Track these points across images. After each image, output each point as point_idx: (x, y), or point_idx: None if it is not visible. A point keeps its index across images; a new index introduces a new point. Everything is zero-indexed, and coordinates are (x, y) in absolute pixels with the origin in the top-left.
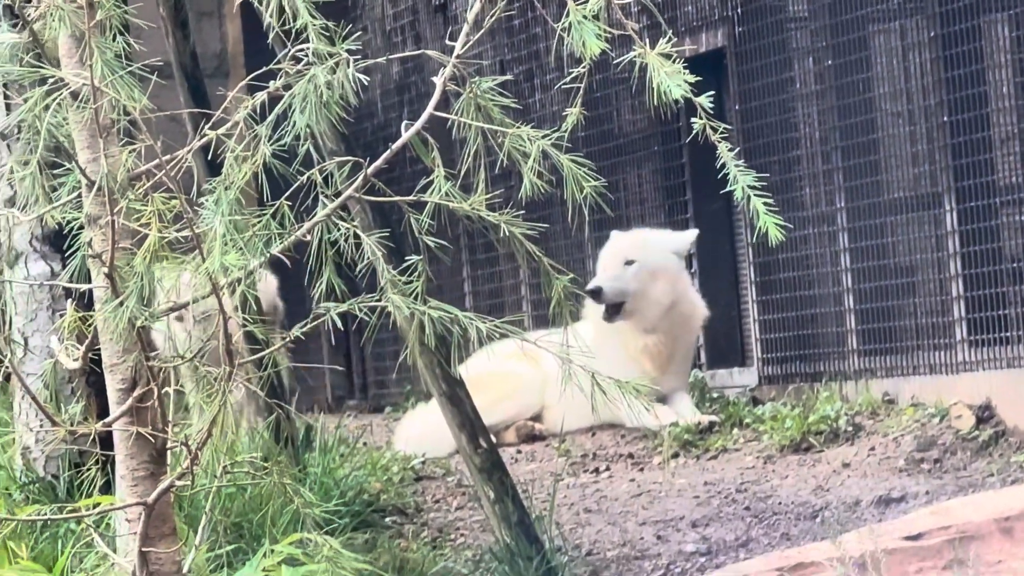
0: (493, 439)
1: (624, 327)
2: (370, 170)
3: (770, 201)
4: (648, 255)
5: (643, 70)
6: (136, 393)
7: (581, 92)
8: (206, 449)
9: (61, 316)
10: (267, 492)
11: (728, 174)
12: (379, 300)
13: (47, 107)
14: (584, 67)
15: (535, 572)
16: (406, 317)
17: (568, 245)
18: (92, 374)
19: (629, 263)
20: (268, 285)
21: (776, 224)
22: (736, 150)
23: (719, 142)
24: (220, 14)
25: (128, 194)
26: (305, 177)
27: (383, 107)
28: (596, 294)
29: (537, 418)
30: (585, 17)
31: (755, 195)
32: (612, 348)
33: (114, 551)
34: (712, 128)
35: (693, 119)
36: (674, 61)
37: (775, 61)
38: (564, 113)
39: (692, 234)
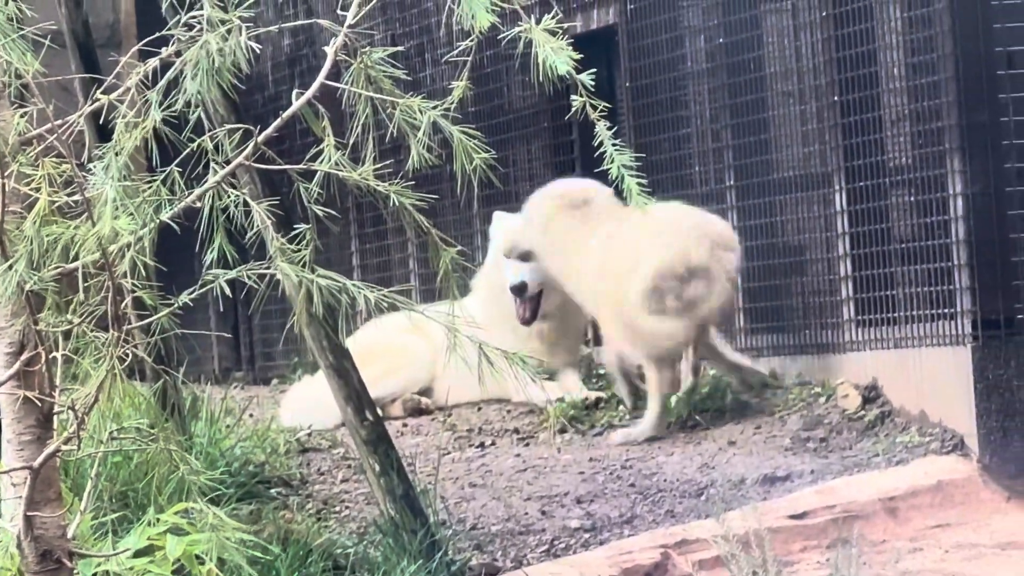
0: (379, 412)
1: (513, 309)
2: (260, 138)
3: (651, 180)
4: None
5: (530, 45)
6: (24, 357)
7: (468, 65)
8: (93, 415)
9: None
10: (153, 461)
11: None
12: (268, 268)
13: None
14: (472, 40)
15: (419, 545)
16: (294, 285)
17: (457, 220)
18: None
19: None
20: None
21: (647, 205)
22: (622, 127)
23: (598, 120)
24: None
25: (19, 158)
26: (196, 144)
27: (274, 79)
28: (521, 290)
29: (427, 392)
30: None
31: (629, 175)
32: (501, 329)
33: None
34: (592, 106)
35: (573, 96)
36: (559, 37)
37: (666, 39)
38: (451, 86)
39: None
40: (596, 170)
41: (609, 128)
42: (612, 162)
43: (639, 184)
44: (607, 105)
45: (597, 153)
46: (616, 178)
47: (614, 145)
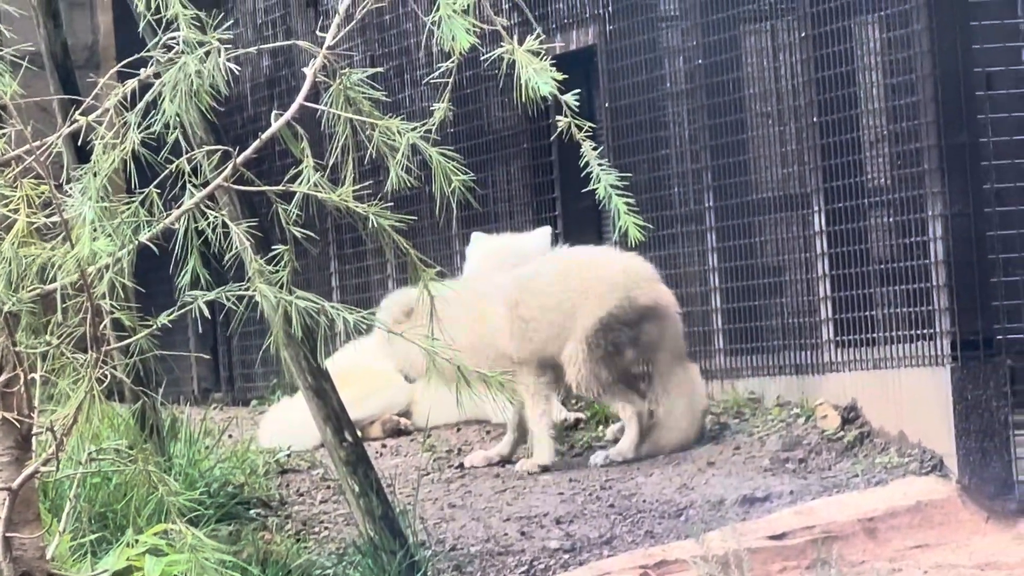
0: (359, 433)
1: None
2: (239, 159)
3: (631, 201)
4: None
5: (512, 66)
6: (2, 378)
7: (449, 87)
8: (72, 436)
9: None
10: (132, 482)
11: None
12: (247, 289)
13: None
14: (453, 61)
15: (399, 566)
16: (273, 306)
17: (436, 241)
18: None
19: None
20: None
21: (636, 224)
22: (601, 148)
23: (583, 140)
24: (92, 5)
25: None
26: (174, 165)
27: (253, 100)
28: None
29: (406, 413)
30: (456, 12)
31: (616, 194)
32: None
33: None
34: (577, 126)
35: (559, 117)
36: (542, 58)
37: (645, 59)
38: (432, 108)
39: (547, 231)
40: (581, 190)
41: (595, 148)
42: (599, 182)
43: (626, 203)
44: (592, 125)
45: (583, 173)
46: (603, 198)
47: (600, 165)
